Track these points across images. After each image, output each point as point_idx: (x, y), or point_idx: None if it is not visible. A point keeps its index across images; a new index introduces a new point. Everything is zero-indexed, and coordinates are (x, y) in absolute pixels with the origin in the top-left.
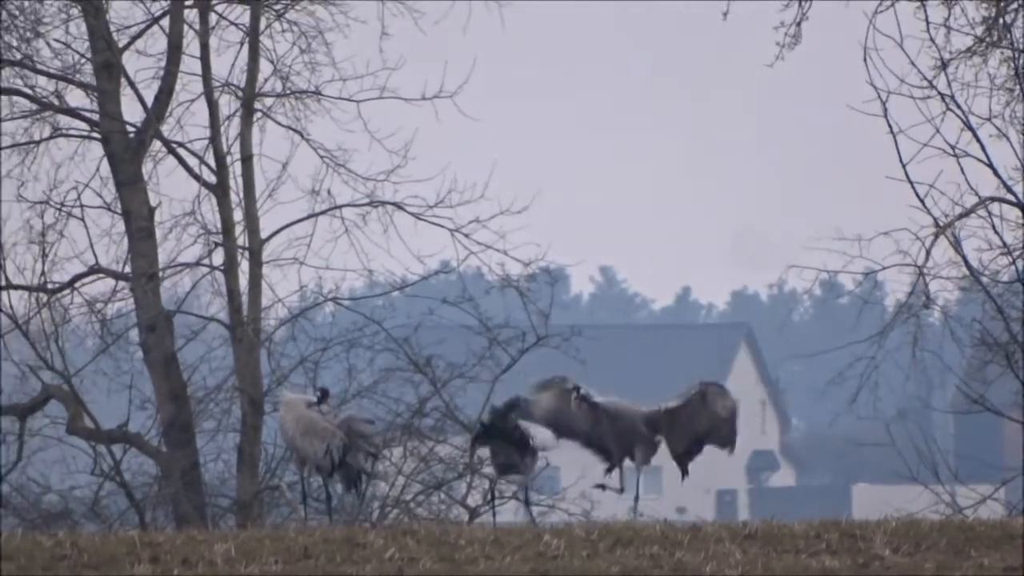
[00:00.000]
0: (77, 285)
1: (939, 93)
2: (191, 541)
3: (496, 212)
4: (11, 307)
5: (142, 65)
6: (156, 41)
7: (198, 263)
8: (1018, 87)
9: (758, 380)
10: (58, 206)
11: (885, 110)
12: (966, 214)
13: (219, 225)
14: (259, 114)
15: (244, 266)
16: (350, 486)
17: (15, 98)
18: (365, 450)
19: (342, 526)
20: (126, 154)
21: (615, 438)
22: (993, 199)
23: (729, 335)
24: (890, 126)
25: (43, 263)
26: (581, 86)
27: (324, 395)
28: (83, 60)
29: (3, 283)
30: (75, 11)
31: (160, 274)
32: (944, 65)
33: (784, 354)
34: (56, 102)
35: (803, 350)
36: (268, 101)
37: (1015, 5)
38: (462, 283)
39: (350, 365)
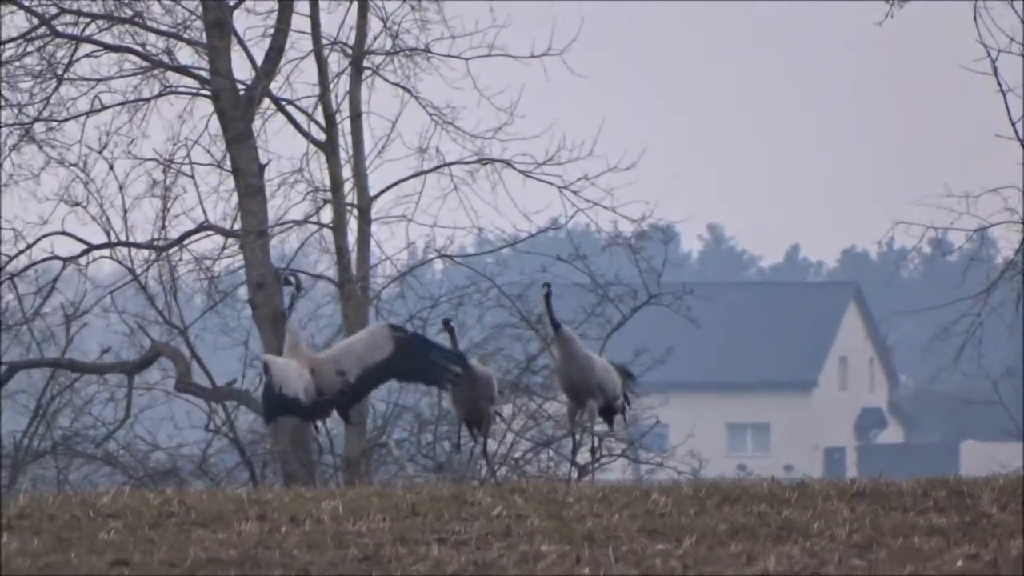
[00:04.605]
0: (186, 242)
1: None
2: (299, 498)
3: (604, 169)
4: (131, 261)
5: (251, 23)
6: None
7: (307, 220)
8: None
9: (866, 338)
10: (167, 162)
11: (995, 68)
12: None
13: (327, 183)
14: (368, 72)
15: (352, 224)
16: None
17: (125, 55)
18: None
19: (450, 483)
20: (236, 111)
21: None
22: None
23: (838, 293)
24: (1000, 84)
25: (163, 219)
26: (688, 42)
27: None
28: (193, 17)
29: (116, 240)
30: None
31: (269, 231)
32: None
33: (893, 311)
34: (166, 59)
35: (912, 308)
36: (377, 59)
37: None
38: (570, 240)
39: (459, 322)
